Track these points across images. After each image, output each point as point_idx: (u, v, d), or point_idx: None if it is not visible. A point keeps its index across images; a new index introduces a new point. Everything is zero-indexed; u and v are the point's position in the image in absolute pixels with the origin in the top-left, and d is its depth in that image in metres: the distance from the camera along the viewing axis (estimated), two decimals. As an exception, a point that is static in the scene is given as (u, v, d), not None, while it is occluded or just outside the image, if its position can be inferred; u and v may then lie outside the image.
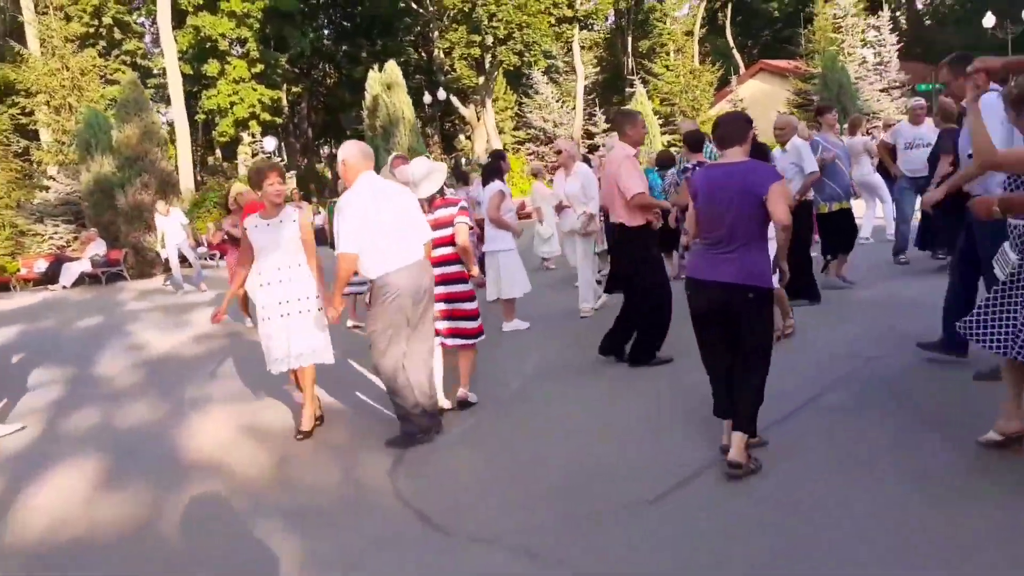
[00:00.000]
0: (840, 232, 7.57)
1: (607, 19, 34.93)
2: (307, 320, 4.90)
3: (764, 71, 35.11)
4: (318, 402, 5.22)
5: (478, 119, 33.32)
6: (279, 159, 30.96)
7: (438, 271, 5.00)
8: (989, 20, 24.13)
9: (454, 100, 32.91)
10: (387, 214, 4.45)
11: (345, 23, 39.47)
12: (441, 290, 5.06)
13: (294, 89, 36.29)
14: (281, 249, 4.87)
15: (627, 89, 33.08)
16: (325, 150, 47.37)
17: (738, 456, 3.64)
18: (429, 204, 5.19)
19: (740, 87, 33.78)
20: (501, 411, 5.09)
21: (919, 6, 39.09)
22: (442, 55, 33.12)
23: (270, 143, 29.04)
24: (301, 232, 4.90)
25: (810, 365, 5.14)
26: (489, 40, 29.17)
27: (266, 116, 31.13)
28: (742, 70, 37.81)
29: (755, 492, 3.48)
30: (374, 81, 22.61)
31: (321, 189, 33.40)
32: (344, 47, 38.07)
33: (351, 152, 4.59)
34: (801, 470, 3.65)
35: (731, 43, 43.96)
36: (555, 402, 5.17)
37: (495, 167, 7.41)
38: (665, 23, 39.56)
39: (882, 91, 23.87)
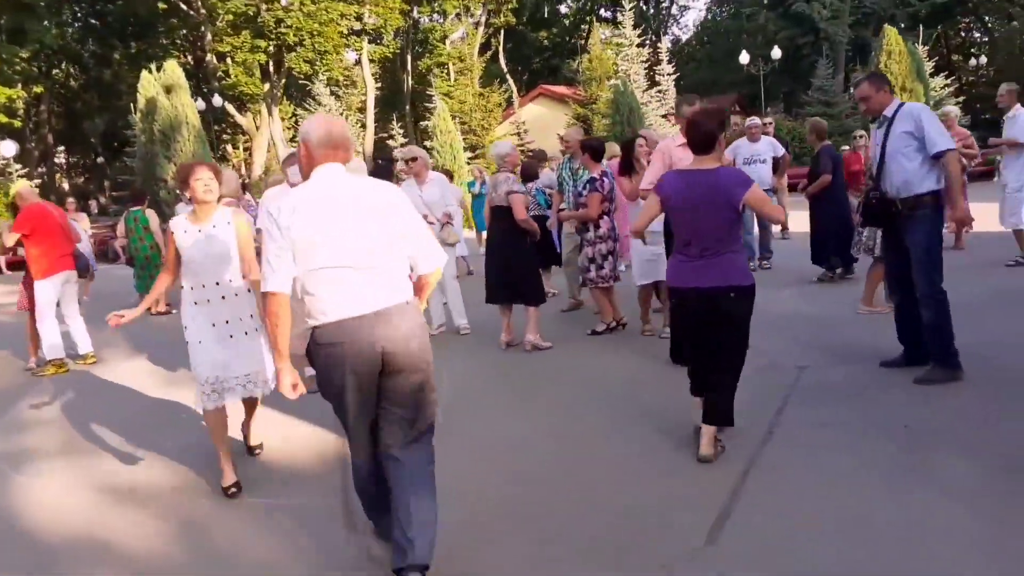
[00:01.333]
0: None
1: (394, 34, 34.39)
2: (255, 342, 4.06)
3: (543, 96, 36.74)
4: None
5: (256, 128, 31.25)
6: (18, 167, 26.79)
7: None
8: (744, 57, 26.94)
9: (229, 108, 30.57)
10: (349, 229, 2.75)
11: (93, 20, 35.46)
12: None
13: (35, 89, 31.83)
14: (218, 260, 3.97)
15: (426, 104, 32.97)
16: (61, 159, 42.57)
17: (708, 450, 3.82)
18: None
19: (521, 110, 34.90)
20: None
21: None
22: (215, 60, 30.69)
23: (8, 148, 25.08)
24: (237, 240, 4.02)
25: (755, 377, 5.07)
26: (275, 46, 27.45)
27: (1, 117, 26.87)
28: (514, 94, 39.14)
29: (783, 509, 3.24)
30: (148, 83, 20.28)
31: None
32: (92, 47, 34.21)
33: (315, 130, 2.86)
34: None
35: (504, 68, 45.50)
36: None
37: (387, 171, 6.74)
38: (444, 44, 39.95)
39: (663, 116, 25.80)
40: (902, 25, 29.41)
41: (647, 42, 31.39)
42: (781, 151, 9.72)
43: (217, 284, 3.95)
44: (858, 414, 4.34)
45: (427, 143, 25.91)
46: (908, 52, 21.46)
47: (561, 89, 37.21)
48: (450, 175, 15.64)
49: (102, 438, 5.09)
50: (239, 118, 31.27)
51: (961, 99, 22.55)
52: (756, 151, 9.44)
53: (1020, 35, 35.06)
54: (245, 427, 4.53)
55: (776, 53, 26.93)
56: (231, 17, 28.02)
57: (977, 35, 41.23)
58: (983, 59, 33.43)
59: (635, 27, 30.24)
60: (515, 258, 6.44)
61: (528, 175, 9.33)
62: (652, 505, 3.45)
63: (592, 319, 7.16)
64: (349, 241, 2.71)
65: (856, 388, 4.80)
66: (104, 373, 7.02)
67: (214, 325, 3.95)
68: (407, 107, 42.19)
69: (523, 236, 6.52)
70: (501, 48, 45.69)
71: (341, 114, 32.18)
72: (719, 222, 3.80)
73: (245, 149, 34.56)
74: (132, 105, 21.72)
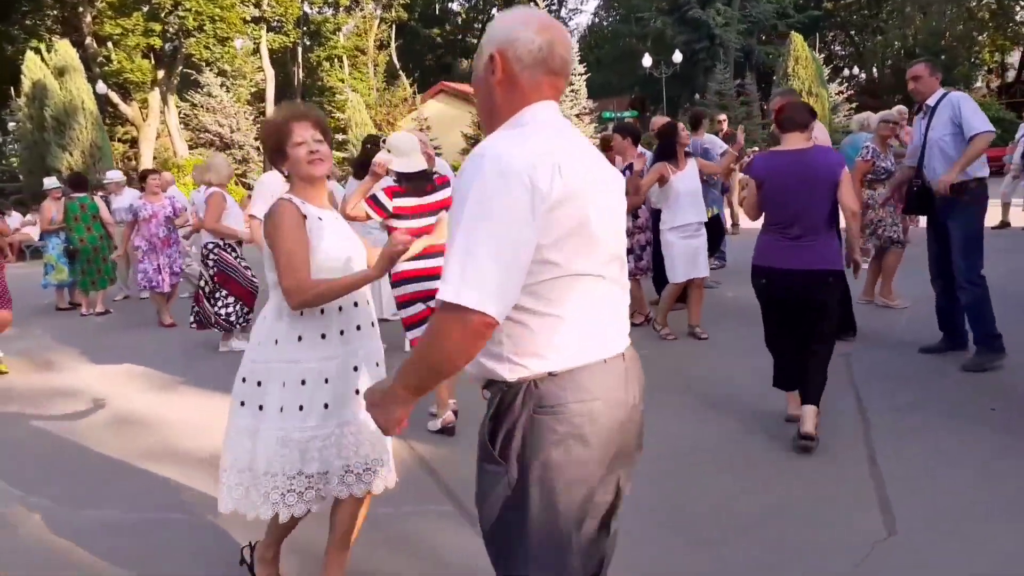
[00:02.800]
0: None
1: (295, 24, 33.12)
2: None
3: (444, 92, 36.42)
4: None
5: (144, 118, 29.26)
6: None
7: (431, 263, 4.14)
8: (647, 61, 27.72)
9: (113, 96, 28.45)
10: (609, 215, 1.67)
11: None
12: (427, 286, 4.23)
13: None
14: (357, 263, 2.58)
15: (338, 96, 31.90)
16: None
17: (811, 428, 3.75)
18: (425, 183, 4.36)
19: (423, 106, 34.45)
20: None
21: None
22: (95, 44, 28.48)
23: None
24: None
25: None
26: (172, 29, 25.79)
27: None
28: (407, 89, 38.55)
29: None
30: (34, 64, 18.55)
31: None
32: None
33: (527, 37, 1.62)
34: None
35: (396, 63, 44.86)
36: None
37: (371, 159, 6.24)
38: (338, 36, 38.89)
39: (576, 115, 26.14)
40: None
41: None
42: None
43: (356, 305, 2.56)
44: (933, 397, 4.49)
45: (339, 136, 25.16)
46: (812, 58, 22.74)
47: (463, 86, 36.98)
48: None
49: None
50: (124, 107, 29.14)
51: (854, 105, 24.10)
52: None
53: (886, 48, 37.89)
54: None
55: (677, 57, 27.84)
56: (114, -1, 26.12)
57: (839, 48, 44.18)
58: (856, 70, 36.00)
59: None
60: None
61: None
62: (804, 504, 3.39)
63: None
64: (610, 234, 1.63)
65: (911, 374, 4.97)
66: (15, 384, 6.37)
67: (356, 369, 2.51)
68: (298, 100, 40.87)
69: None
70: (393, 44, 45.09)
71: (232, 104, 30.79)
72: (816, 200, 3.85)
73: (124, 140, 32.29)
74: (13, 89, 19.81)
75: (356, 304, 2.54)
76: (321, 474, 2.46)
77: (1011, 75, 37.34)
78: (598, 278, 1.60)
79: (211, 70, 29.60)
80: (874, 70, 38.04)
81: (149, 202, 8.46)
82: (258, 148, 30.42)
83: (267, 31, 31.62)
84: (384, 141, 6.22)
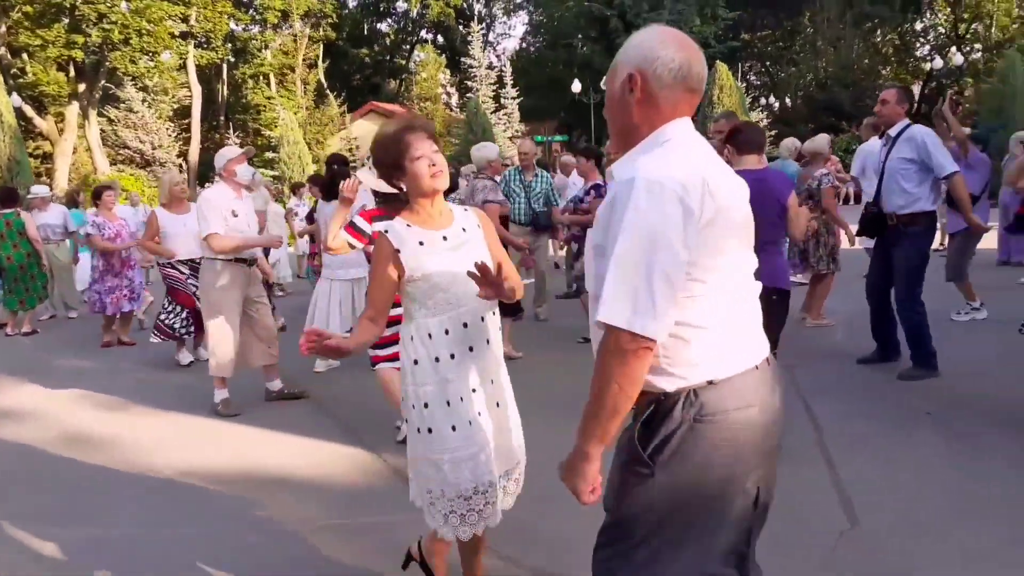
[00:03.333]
0: None
1: (224, 40, 32.48)
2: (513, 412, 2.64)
3: (374, 112, 36.36)
4: None
5: (60, 133, 28.14)
6: None
7: None
8: (576, 86, 28.33)
9: (27, 109, 27.29)
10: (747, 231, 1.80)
11: None
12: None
13: None
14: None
15: (264, 114, 31.31)
16: None
17: None
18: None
19: (352, 125, 34.27)
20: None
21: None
22: (9, 55, 27.34)
23: None
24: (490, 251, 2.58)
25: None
26: (96, 42, 24.91)
27: None
28: (335, 108, 38.21)
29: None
30: (-55, 74, 17.71)
31: None
32: None
33: (667, 55, 1.68)
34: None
35: (324, 82, 44.47)
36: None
37: (346, 177, 6.16)
38: (264, 53, 38.34)
39: (510, 138, 26.42)
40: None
41: (492, 65, 32.11)
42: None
43: (483, 319, 2.48)
44: (876, 404, 4.80)
45: (268, 154, 24.79)
46: (736, 87, 23.74)
47: (392, 107, 37.03)
48: (300, 187, 15.17)
49: None
50: (38, 121, 27.98)
51: (774, 132, 25.22)
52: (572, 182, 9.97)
53: (799, 79, 39.74)
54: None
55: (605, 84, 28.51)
56: (30, 9, 25.14)
57: (754, 77, 46.08)
58: (772, 99, 37.70)
59: (483, 49, 30.85)
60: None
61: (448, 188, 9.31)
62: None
63: (549, 332, 7.26)
64: (745, 244, 1.73)
65: (853, 383, 5.30)
66: None
67: (474, 391, 2.45)
68: (222, 117, 40.01)
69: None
70: (320, 63, 44.68)
71: (154, 121, 29.94)
72: (767, 220, 3.86)
73: (36, 155, 30.97)
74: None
75: (466, 326, 2.44)
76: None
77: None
78: (741, 288, 1.68)
79: (134, 85, 28.77)
80: (787, 99, 39.84)
81: (107, 219, 8.20)
82: (181, 166, 29.72)
83: (194, 47, 30.92)
84: (354, 162, 6.28)
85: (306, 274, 10.42)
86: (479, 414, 2.42)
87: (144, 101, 29.93)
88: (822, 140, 7.30)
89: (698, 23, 33.82)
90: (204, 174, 28.52)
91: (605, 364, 1.52)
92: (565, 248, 8.59)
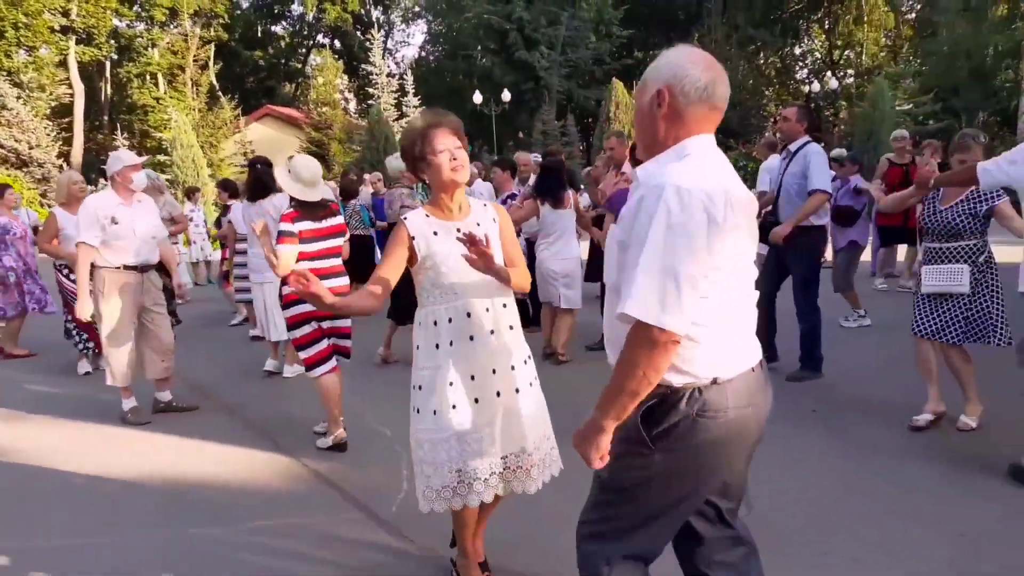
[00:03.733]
0: None
1: (108, 37, 30.99)
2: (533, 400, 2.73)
3: (270, 116, 35.57)
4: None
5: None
6: None
7: (330, 283, 4.43)
8: (478, 98, 28.65)
9: None
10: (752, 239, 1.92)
11: None
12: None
13: None
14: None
15: (152, 115, 29.98)
16: None
17: None
18: (320, 210, 4.55)
19: (247, 129, 33.40)
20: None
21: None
22: None
23: None
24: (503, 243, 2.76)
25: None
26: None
27: None
28: (227, 111, 37.14)
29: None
30: None
31: None
32: None
33: (694, 74, 1.84)
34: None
35: (215, 84, 43.15)
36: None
37: (270, 177, 6.12)
38: (152, 52, 36.87)
39: (411, 147, 26.39)
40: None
41: (392, 72, 31.92)
42: None
43: (487, 310, 2.61)
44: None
45: (160, 157, 23.84)
46: (631, 104, 24.59)
47: (288, 111, 36.33)
48: (195, 191, 14.79)
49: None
50: None
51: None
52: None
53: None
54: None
55: (507, 96, 29.01)
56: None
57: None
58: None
59: (383, 57, 30.63)
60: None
61: (347, 193, 9.34)
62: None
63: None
64: (751, 254, 1.86)
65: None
66: None
67: (473, 378, 2.58)
68: (106, 117, 38.19)
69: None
70: (212, 64, 43.30)
71: (31, 119, 28.25)
72: None
73: None
74: None
75: (469, 315, 2.58)
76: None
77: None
78: (744, 295, 1.84)
79: (7, 81, 27.07)
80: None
81: (11, 220, 7.77)
82: (61, 167, 28.16)
83: (76, 43, 29.39)
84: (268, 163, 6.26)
85: (207, 281, 10.16)
86: (475, 400, 2.55)
87: (19, 98, 28.23)
88: None
89: (593, 40, 34.85)
90: (87, 175, 27.13)
91: (633, 353, 1.67)
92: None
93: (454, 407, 2.53)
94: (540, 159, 8.97)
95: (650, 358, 1.65)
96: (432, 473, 2.58)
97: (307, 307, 4.37)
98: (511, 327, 2.65)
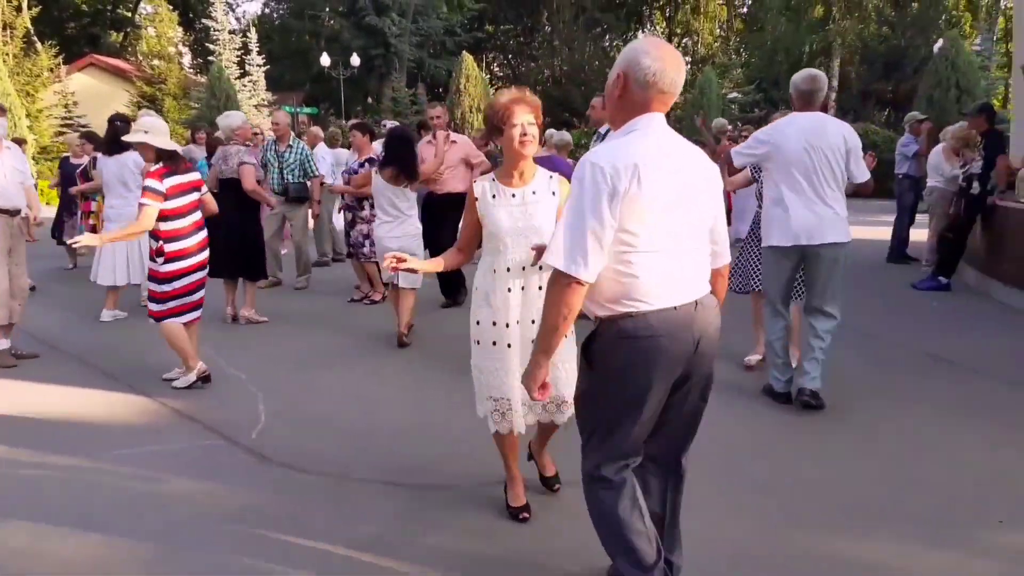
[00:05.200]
0: None
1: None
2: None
3: (94, 66, 33.07)
4: None
5: None
6: None
7: (197, 238, 4.88)
8: (326, 60, 28.07)
9: None
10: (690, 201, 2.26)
11: None
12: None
13: None
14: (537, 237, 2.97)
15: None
16: None
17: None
18: (183, 162, 4.82)
19: (69, 79, 30.87)
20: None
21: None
22: None
23: None
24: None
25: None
26: None
27: None
28: (46, 59, 34.08)
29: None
30: None
31: None
32: None
33: (649, 63, 2.17)
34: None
35: (31, 28, 39.37)
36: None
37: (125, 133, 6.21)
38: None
39: (256, 106, 25.49)
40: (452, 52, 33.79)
41: (234, 29, 30.40)
42: None
43: (523, 269, 2.97)
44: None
45: (-30, 105, 21.66)
46: (480, 78, 24.96)
47: (116, 61, 33.91)
48: (20, 143, 13.91)
49: None
50: None
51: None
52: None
53: (538, 74, 42.52)
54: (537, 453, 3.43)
55: (356, 60, 28.61)
56: None
57: (497, 69, 48.52)
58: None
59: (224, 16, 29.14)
60: (247, 231, 6.66)
61: (213, 151, 9.25)
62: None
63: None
64: (688, 216, 2.18)
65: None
66: None
67: (507, 325, 2.97)
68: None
69: (255, 208, 6.82)
70: (27, 6, 39.43)
71: None
72: None
73: None
74: None
75: (509, 270, 2.97)
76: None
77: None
78: (671, 250, 2.14)
79: None
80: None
81: None
82: None
83: None
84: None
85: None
86: (508, 345, 2.95)
87: None
88: (567, 135, 8.42)
89: (445, 10, 34.94)
90: None
91: (551, 294, 2.11)
92: (314, 220, 8.86)
93: (493, 343, 2.97)
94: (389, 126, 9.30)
95: (563, 297, 2.07)
96: (486, 397, 3.02)
97: (190, 262, 4.75)
98: (540, 288, 2.95)
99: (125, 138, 4.70)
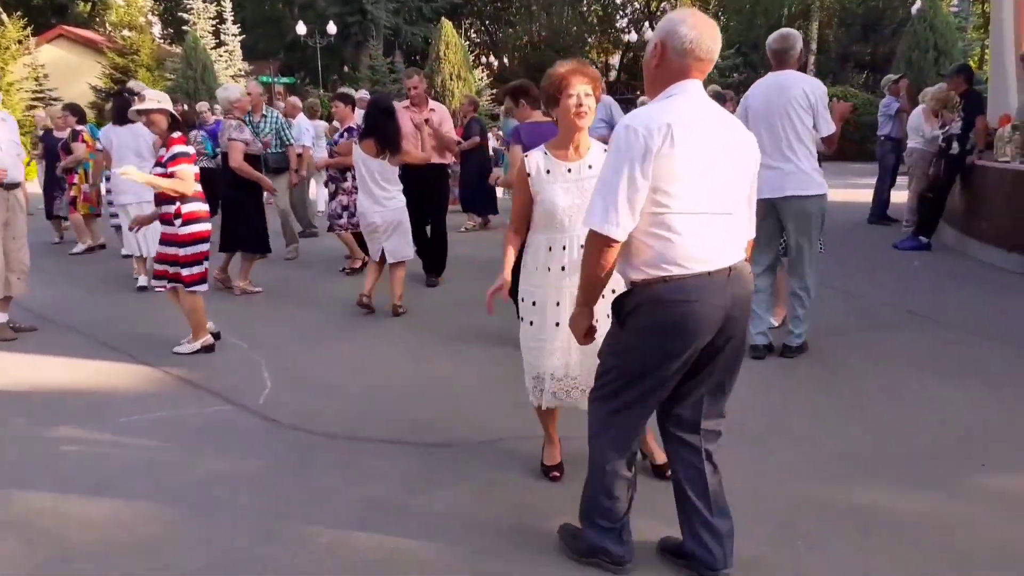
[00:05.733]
0: None
1: None
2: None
3: (64, 38, 32.38)
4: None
5: None
6: None
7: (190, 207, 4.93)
8: (302, 28, 27.65)
9: None
10: (727, 166, 2.28)
11: None
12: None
13: None
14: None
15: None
16: None
17: None
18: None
19: (38, 51, 30.21)
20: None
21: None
22: None
23: None
24: None
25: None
26: None
27: None
28: (13, 31, 33.18)
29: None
30: None
31: None
32: None
33: (687, 32, 2.23)
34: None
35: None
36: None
37: (126, 105, 6.33)
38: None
39: (232, 77, 25.10)
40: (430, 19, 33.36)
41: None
42: None
43: (581, 247, 2.65)
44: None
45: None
46: (460, 45, 24.68)
47: (87, 33, 33.19)
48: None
49: None
50: None
51: (495, 90, 26.72)
52: None
53: (516, 40, 42.14)
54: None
55: (332, 28, 28.21)
56: None
57: (475, 35, 48.03)
58: (491, 58, 39.75)
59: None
60: (245, 205, 6.61)
61: (189, 125, 9.19)
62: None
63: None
64: (724, 181, 2.21)
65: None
66: None
67: (558, 304, 2.93)
68: None
69: (248, 183, 6.77)
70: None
71: None
72: None
73: None
74: None
75: (564, 248, 2.91)
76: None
77: (613, 75, 44.02)
78: (707, 214, 2.17)
79: None
80: (505, 59, 42.14)
81: None
82: None
83: None
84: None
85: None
86: (555, 324, 2.91)
87: None
88: None
89: (421, -26, 34.36)
90: None
91: (587, 252, 2.22)
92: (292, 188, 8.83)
93: (531, 323, 2.99)
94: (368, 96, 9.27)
95: (599, 255, 2.18)
96: (533, 373, 3.03)
97: (204, 227, 4.93)
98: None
99: (141, 107, 4.69)
